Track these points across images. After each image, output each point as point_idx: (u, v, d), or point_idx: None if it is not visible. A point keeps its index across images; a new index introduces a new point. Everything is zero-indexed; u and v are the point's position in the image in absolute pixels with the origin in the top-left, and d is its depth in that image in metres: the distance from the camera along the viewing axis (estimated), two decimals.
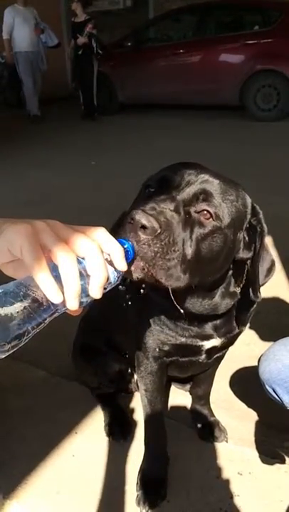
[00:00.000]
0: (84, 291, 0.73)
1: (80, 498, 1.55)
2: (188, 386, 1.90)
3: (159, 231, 0.86)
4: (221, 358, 1.51)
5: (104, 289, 0.76)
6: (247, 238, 1.08)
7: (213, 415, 1.79)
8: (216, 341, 1.26)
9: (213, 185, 1.00)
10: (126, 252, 0.82)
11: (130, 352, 1.49)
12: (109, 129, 7.94)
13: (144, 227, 0.84)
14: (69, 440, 1.76)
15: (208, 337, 1.24)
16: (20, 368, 2.13)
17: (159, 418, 1.49)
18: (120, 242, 0.82)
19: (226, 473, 1.61)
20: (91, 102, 8.60)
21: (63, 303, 0.71)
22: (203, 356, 1.31)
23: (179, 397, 1.94)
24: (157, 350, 1.29)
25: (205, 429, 1.74)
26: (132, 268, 0.87)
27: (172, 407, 1.90)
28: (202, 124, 7.72)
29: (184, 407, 1.88)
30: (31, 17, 8.09)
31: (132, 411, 1.89)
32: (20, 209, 4.03)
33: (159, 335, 1.26)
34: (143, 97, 8.69)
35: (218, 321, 1.22)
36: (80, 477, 1.62)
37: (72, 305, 0.70)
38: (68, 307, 0.71)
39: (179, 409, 1.88)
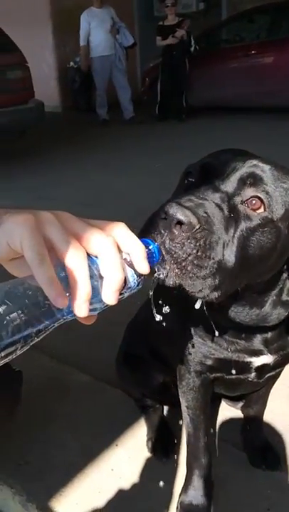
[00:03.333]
0: (96, 296, 0.62)
1: None
2: (240, 404, 1.74)
3: (197, 227, 0.73)
4: (276, 377, 1.34)
5: (122, 294, 0.65)
6: None
7: (266, 439, 1.61)
8: (267, 358, 1.10)
9: (264, 170, 0.85)
10: (150, 253, 0.70)
11: (174, 364, 1.36)
12: (178, 131, 7.85)
13: (180, 222, 0.72)
14: (109, 452, 1.66)
15: (257, 353, 1.08)
16: (65, 371, 2.07)
17: (203, 438, 1.35)
18: (145, 243, 0.71)
19: (278, 506, 1.44)
20: (180, 102, 8.50)
21: (70, 308, 0.60)
22: (253, 374, 1.15)
23: (230, 415, 1.78)
24: (199, 364, 1.16)
25: (256, 453, 1.57)
26: (161, 272, 0.75)
27: (221, 426, 1.75)
28: (274, 127, 7.41)
29: (235, 427, 1.72)
30: (108, 18, 8.06)
31: (179, 427, 1.75)
32: (78, 209, 4.00)
33: (201, 347, 1.12)
34: (213, 99, 8.53)
35: (269, 335, 1.06)
36: (117, 493, 1.51)
37: (80, 311, 0.60)
38: (76, 313, 0.60)
39: (229, 429, 1.72)
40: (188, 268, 0.74)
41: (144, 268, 0.65)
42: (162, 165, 5.68)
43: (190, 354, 1.17)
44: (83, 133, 8.09)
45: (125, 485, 1.54)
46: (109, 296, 0.62)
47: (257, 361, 1.10)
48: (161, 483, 1.52)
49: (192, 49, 8.25)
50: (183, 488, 1.44)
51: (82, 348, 2.24)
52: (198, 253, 0.74)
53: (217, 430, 1.72)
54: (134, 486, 1.53)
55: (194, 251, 0.73)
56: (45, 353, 2.19)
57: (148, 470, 1.58)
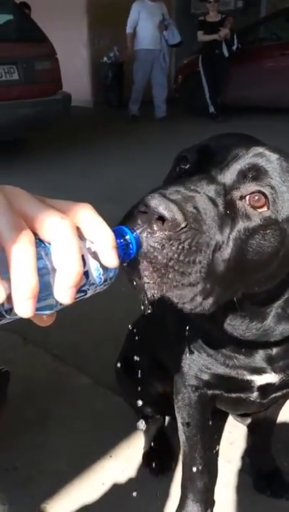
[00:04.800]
0: (49, 292, 0.50)
1: None
2: (248, 420, 1.59)
3: (182, 225, 0.60)
4: (285, 397, 1.19)
5: (83, 291, 0.53)
6: None
7: (274, 462, 1.46)
8: (271, 377, 0.95)
9: (270, 160, 0.71)
10: (125, 245, 0.58)
11: (172, 374, 1.23)
12: (208, 130, 7.64)
13: (161, 218, 0.60)
14: (102, 464, 1.54)
15: (259, 371, 0.94)
16: (66, 372, 1.96)
17: (200, 460, 1.21)
18: (120, 231, 0.58)
19: None
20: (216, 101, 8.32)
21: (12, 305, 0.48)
22: (255, 394, 1.01)
23: (236, 432, 1.63)
24: (195, 378, 1.02)
25: (262, 478, 1.42)
26: (141, 270, 0.62)
27: (225, 444, 1.60)
28: None
29: (241, 447, 1.57)
30: (158, 13, 7.82)
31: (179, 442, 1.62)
32: (100, 205, 3.91)
33: (196, 360, 0.99)
34: (247, 98, 8.29)
35: (273, 351, 0.92)
36: (105, 510, 1.39)
37: (22, 310, 0.47)
38: (17, 312, 0.48)
39: (234, 449, 1.58)
40: (170, 275, 0.61)
41: (110, 259, 0.52)
42: None
43: (185, 367, 1.03)
44: (112, 129, 8.00)
45: (115, 501, 1.41)
46: (62, 293, 0.49)
47: (259, 380, 0.96)
48: (155, 503, 1.40)
49: (234, 48, 8.04)
50: (176, 510, 1.31)
51: (87, 349, 2.12)
52: (181, 257, 0.61)
53: (220, 448, 1.57)
54: (125, 504, 1.40)
55: (176, 255, 0.61)
56: (48, 351, 2.09)
57: (142, 486, 1.45)
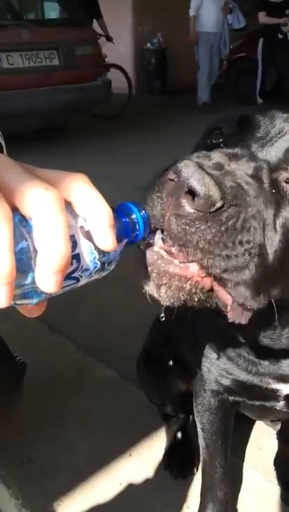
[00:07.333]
0: (30, 278, 0.42)
1: None
2: (279, 426, 1.47)
3: (218, 205, 0.49)
4: None
5: (74, 278, 0.44)
6: None
7: None
8: None
9: None
10: (130, 224, 0.49)
11: (193, 375, 1.13)
12: None
13: (192, 192, 0.49)
14: (120, 462, 1.47)
15: (286, 378, 0.83)
16: (89, 363, 1.90)
17: (220, 468, 1.12)
18: (126, 208, 0.49)
19: None
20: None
21: None
22: (281, 404, 0.90)
23: (266, 437, 1.52)
24: (215, 382, 0.92)
25: None
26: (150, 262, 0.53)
27: (253, 450, 1.49)
28: None
29: (269, 453, 1.46)
30: None
31: None
32: (132, 192, 3.82)
33: (215, 363, 0.89)
34: None
35: None
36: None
37: None
38: None
39: (262, 455, 1.47)
40: (214, 259, 0.51)
41: (105, 241, 0.43)
42: None
43: (204, 370, 0.94)
44: (151, 116, 7.87)
45: (131, 504, 1.34)
46: (44, 280, 0.40)
47: (286, 389, 0.85)
48: (172, 508, 1.32)
49: None
50: None
51: (112, 340, 2.05)
52: (228, 238, 0.51)
53: (247, 454, 1.47)
54: (141, 507, 1.33)
55: (219, 236, 0.50)
56: (72, 341, 2.03)
57: (160, 490, 1.37)
